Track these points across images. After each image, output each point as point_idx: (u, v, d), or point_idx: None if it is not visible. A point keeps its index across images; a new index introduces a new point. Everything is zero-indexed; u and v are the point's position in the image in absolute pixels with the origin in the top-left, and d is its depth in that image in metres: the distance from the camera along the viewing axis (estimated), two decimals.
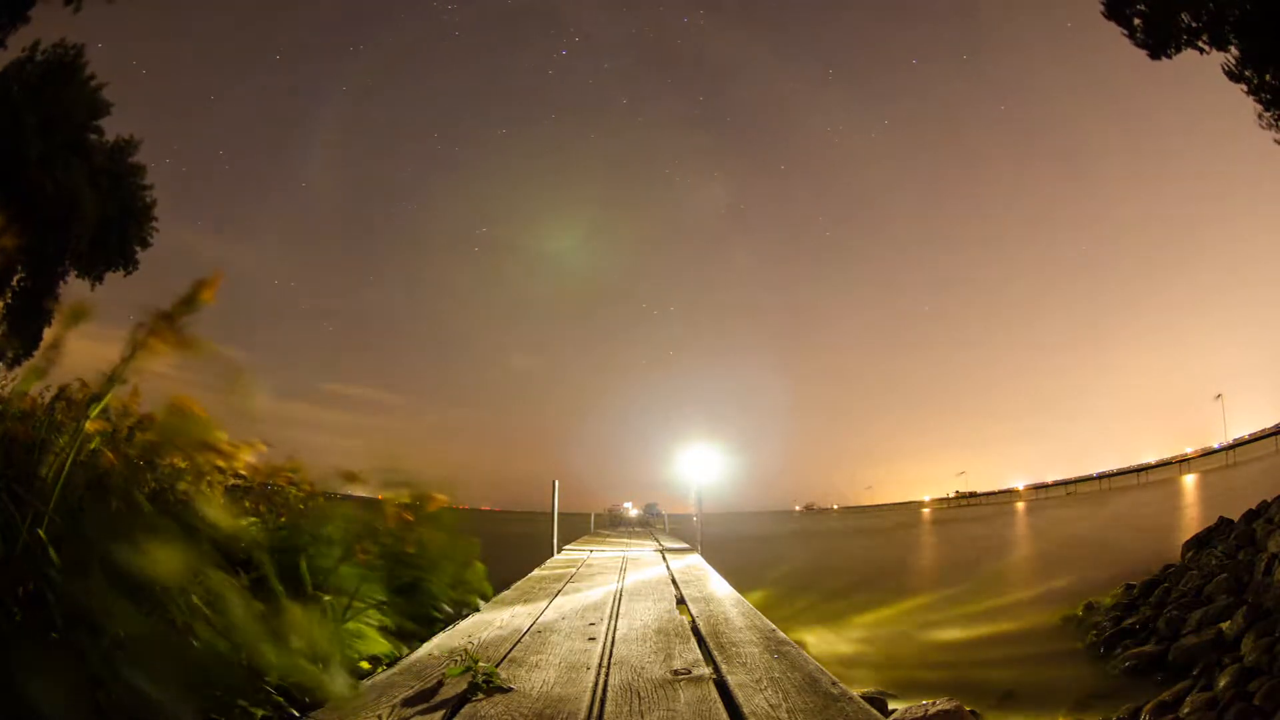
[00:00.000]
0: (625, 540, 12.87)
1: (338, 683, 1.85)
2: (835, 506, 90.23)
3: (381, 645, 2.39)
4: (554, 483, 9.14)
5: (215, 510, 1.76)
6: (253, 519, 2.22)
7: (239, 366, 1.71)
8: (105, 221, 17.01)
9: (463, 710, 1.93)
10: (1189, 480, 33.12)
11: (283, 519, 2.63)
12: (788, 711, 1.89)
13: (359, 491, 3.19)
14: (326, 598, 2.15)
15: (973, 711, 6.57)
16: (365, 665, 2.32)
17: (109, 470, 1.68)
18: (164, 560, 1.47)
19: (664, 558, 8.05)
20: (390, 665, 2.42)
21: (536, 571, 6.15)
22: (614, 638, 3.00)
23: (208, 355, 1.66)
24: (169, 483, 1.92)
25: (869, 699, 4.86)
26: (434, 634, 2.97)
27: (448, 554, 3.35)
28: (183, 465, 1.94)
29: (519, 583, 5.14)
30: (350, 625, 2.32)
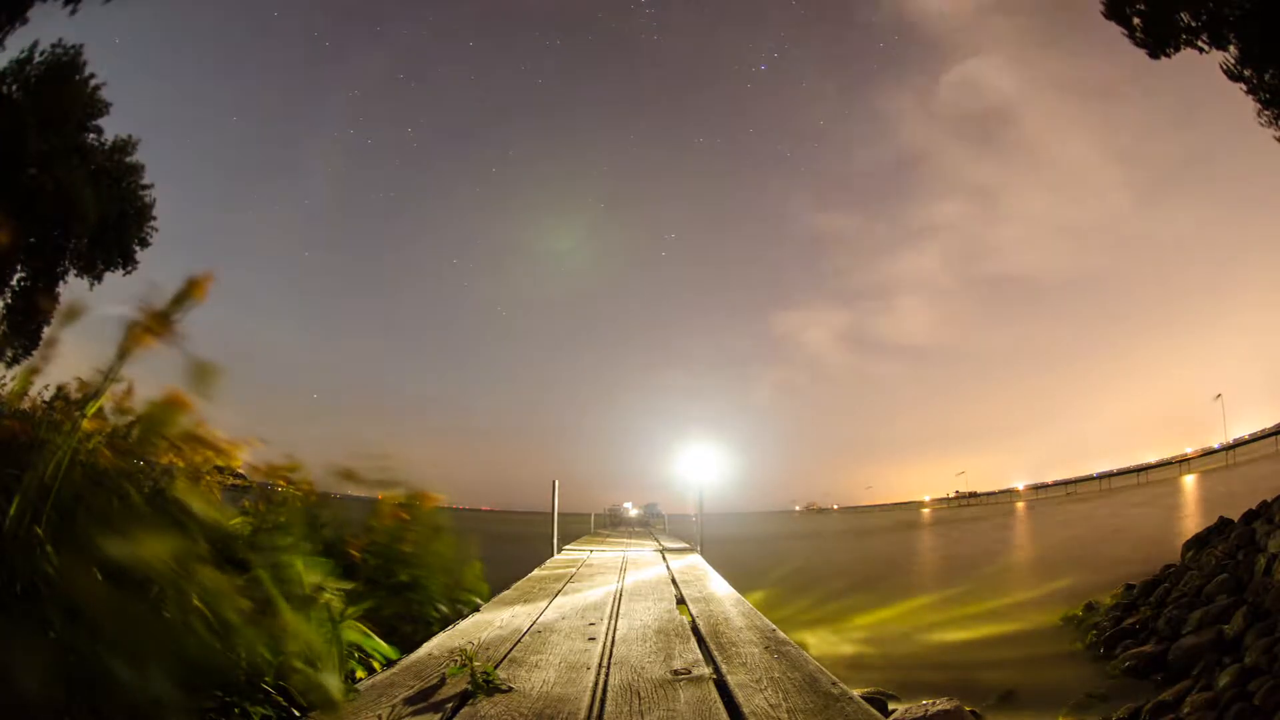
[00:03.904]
0: (625, 540, 12.86)
1: (331, 686, 1.84)
2: (835, 506, 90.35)
3: (352, 634, 2.38)
4: (554, 483, 9.14)
5: (203, 504, 1.76)
6: (247, 518, 2.22)
7: (208, 362, 1.71)
8: (104, 221, 17.01)
9: (463, 710, 1.92)
10: (1189, 480, 33.11)
11: (283, 519, 2.62)
12: (788, 711, 1.88)
13: (358, 491, 3.18)
14: (325, 598, 2.15)
15: (973, 712, 6.56)
16: (361, 674, 2.31)
17: (105, 468, 1.68)
18: (155, 552, 1.47)
19: (664, 558, 8.04)
20: (390, 665, 2.42)
21: (537, 571, 6.14)
22: (614, 638, 2.99)
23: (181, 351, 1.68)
24: (165, 481, 1.91)
25: (869, 699, 4.85)
26: (434, 634, 2.96)
27: (443, 553, 3.34)
28: (180, 464, 1.94)
29: (519, 583, 5.13)
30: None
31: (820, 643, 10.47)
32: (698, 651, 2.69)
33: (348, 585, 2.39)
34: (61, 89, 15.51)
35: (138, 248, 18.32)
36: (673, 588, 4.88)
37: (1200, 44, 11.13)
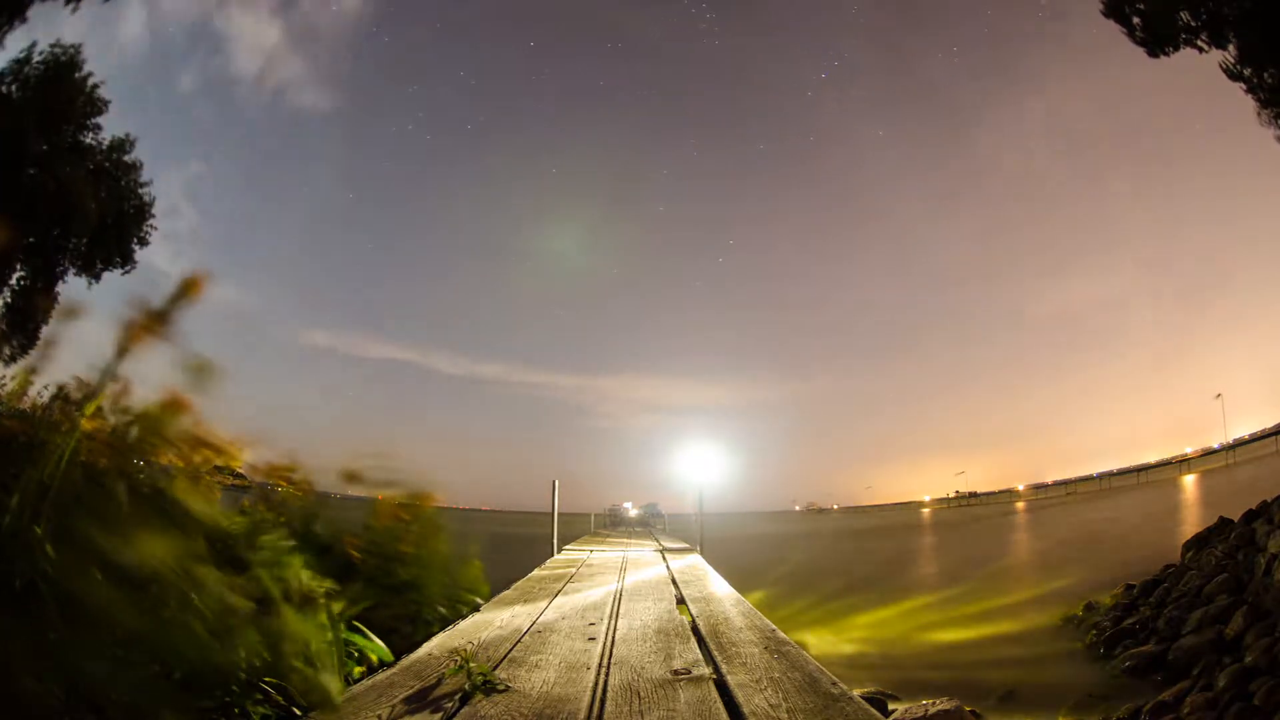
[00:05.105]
0: (625, 540, 12.87)
1: (330, 686, 1.84)
2: (835, 506, 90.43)
3: (351, 635, 2.38)
4: (554, 483, 9.13)
5: (202, 503, 1.76)
6: (245, 518, 2.22)
7: (205, 359, 1.72)
8: (104, 220, 17.00)
9: (463, 710, 1.92)
10: (1189, 480, 33.14)
11: (283, 519, 2.61)
12: (788, 711, 1.88)
13: (360, 491, 3.18)
14: (322, 597, 2.14)
15: (973, 711, 6.56)
16: (360, 673, 2.31)
17: (104, 467, 1.68)
18: (153, 550, 1.47)
19: (664, 558, 8.04)
20: (390, 665, 2.41)
21: (537, 571, 6.14)
22: (614, 638, 2.99)
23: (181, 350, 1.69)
24: (165, 481, 1.91)
25: (869, 699, 4.85)
26: (433, 634, 2.96)
27: (442, 553, 3.34)
28: (180, 464, 1.94)
29: (519, 582, 5.13)
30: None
31: (820, 642, 10.47)
32: (698, 651, 2.69)
33: (341, 586, 2.39)
34: (61, 88, 15.51)
35: (137, 246, 18.32)
36: (673, 588, 4.88)
37: (1200, 43, 11.13)
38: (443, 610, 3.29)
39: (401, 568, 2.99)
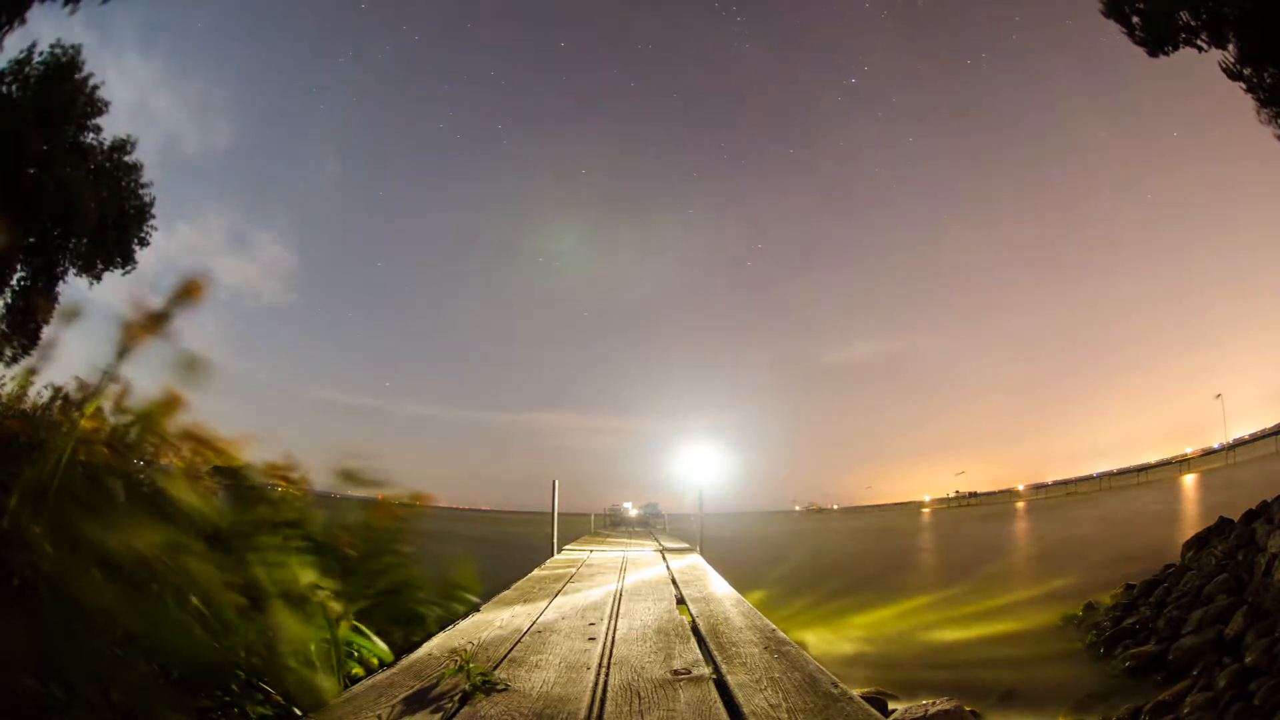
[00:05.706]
0: (625, 540, 12.87)
1: (324, 686, 1.84)
2: (835, 506, 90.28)
3: (350, 634, 2.39)
4: (554, 483, 9.13)
5: (199, 501, 1.77)
6: (242, 516, 2.22)
7: (197, 355, 1.74)
8: (104, 221, 17.01)
9: (463, 710, 1.92)
10: (1189, 480, 33.14)
11: (282, 518, 2.61)
12: (788, 711, 1.88)
13: (359, 492, 3.18)
14: (320, 596, 2.14)
15: (973, 711, 6.57)
16: (359, 673, 2.31)
17: (102, 465, 1.68)
18: (148, 546, 1.47)
19: (664, 557, 8.04)
20: (390, 665, 2.42)
21: (536, 571, 6.14)
22: (614, 638, 2.99)
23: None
24: (164, 480, 1.92)
25: (869, 699, 4.85)
26: (433, 634, 2.96)
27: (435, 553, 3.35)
28: (179, 464, 1.94)
29: (519, 583, 5.13)
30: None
31: (820, 642, 10.47)
32: (698, 651, 2.69)
33: (339, 585, 2.39)
34: (61, 88, 15.52)
35: (137, 247, 18.33)
36: (673, 588, 4.88)
37: (1200, 43, 11.14)
38: (438, 610, 3.29)
39: (397, 568, 3.00)
